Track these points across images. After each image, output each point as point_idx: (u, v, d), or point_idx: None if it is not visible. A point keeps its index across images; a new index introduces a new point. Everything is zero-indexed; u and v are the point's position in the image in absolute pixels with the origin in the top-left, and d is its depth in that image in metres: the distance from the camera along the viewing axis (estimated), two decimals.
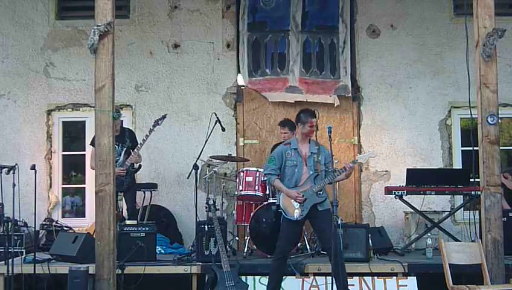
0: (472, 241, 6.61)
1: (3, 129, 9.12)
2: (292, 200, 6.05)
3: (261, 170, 7.55)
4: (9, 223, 6.81)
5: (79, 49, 9.01)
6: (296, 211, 6.03)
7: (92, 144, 7.02)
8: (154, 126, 7.65)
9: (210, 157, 8.10)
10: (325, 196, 6.12)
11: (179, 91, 9.08)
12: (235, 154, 8.73)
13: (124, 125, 8.23)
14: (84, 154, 8.80)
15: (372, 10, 9.07)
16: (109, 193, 6.14)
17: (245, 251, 7.37)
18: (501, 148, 6.56)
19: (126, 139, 7.71)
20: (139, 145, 7.61)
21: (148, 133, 7.59)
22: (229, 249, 7.37)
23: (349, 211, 8.82)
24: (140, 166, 7.84)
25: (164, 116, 7.74)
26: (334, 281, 5.73)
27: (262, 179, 7.50)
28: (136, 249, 6.81)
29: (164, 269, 6.73)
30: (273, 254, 6.27)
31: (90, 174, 8.29)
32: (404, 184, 7.68)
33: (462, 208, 8.19)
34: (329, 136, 6.03)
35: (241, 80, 9.01)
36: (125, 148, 7.65)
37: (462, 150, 8.89)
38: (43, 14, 9.24)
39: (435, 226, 7.79)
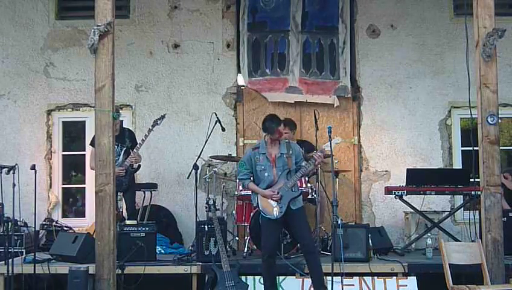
0: (472, 241, 6.61)
1: (3, 129, 9.12)
2: (269, 200, 6.12)
3: None
4: (9, 223, 6.81)
5: (79, 49, 9.01)
6: (274, 210, 6.11)
7: (92, 144, 7.02)
8: (153, 126, 7.66)
9: (210, 157, 8.10)
10: (300, 191, 6.21)
11: (179, 91, 9.08)
12: (235, 154, 8.73)
13: (123, 126, 8.24)
14: (84, 154, 8.80)
15: (372, 10, 9.07)
16: (109, 193, 6.14)
17: (245, 251, 7.37)
18: (501, 148, 6.56)
19: (126, 139, 7.72)
20: (138, 146, 7.61)
21: (147, 133, 7.60)
22: (229, 249, 7.37)
23: (349, 211, 8.82)
24: (139, 166, 7.84)
25: (163, 116, 7.74)
26: (312, 279, 5.91)
27: None
28: (136, 249, 6.80)
29: (164, 269, 6.73)
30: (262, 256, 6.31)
31: (90, 174, 8.29)
32: (404, 184, 7.68)
33: (462, 208, 8.19)
34: (329, 136, 6.05)
35: (241, 80, 9.01)
36: (124, 148, 7.66)
37: (462, 150, 8.89)
38: (43, 14, 9.23)
39: (435, 226, 7.79)
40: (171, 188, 8.93)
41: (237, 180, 7.19)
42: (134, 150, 7.60)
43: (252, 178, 6.29)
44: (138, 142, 7.66)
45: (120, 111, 7.85)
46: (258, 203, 6.24)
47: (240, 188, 7.58)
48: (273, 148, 6.26)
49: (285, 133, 7.75)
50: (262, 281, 6.44)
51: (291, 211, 6.14)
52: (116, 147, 7.29)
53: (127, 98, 9.04)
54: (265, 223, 6.24)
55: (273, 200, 6.12)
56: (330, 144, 6.13)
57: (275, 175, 6.20)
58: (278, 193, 6.10)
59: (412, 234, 8.15)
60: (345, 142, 8.85)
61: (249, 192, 7.57)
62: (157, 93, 9.08)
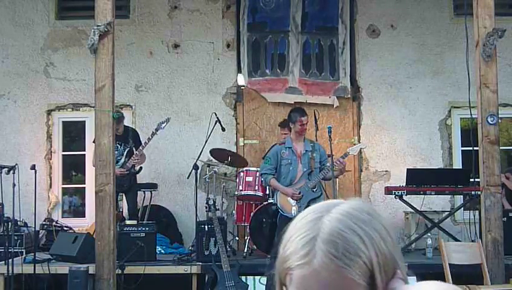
0: (472, 241, 6.61)
1: (3, 129, 9.12)
2: (288, 198, 6.12)
3: None
4: (9, 223, 6.81)
5: (79, 49, 9.01)
6: (293, 208, 6.11)
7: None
8: (156, 129, 7.59)
9: (212, 149, 8.07)
10: (320, 192, 6.19)
11: (179, 91, 9.08)
12: None
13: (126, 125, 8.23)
14: (84, 154, 8.80)
15: (372, 10, 9.07)
16: (109, 193, 6.14)
17: (245, 251, 7.37)
18: (501, 148, 6.56)
19: (129, 140, 7.71)
20: (140, 148, 7.61)
21: (150, 136, 7.56)
22: (229, 249, 7.37)
23: None
24: (141, 168, 7.84)
25: (167, 120, 7.66)
26: None
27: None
28: (136, 249, 6.80)
29: (164, 269, 6.73)
30: (271, 252, 6.30)
31: (90, 174, 8.29)
32: (404, 184, 7.68)
33: (462, 208, 8.19)
34: (329, 136, 6.06)
35: (241, 80, 9.01)
36: (127, 149, 7.65)
37: (462, 150, 8.89)
38: (43, 14, 9.23)
39: (435, 226, 7.79)
40: (171, 188, 8.93)
41: (260, 176, 7.09)
42: (137, 151, 7.59)
43: (275, 175, 6.30)
44: (142, 143, 7.66)
45: (121, 111, 7.85)
46: (276, 200, 6.25)
47: (240, 188, 7.59)
48: (298, 145, 6.29)
49: (285, 134, 7.75)
50: (262, 281, 6.44)
51: None
52: (119, 147, 7.30)
53: (127, 98, 9.03)
54: (282, 222, 6.25)
55: (294, 199, 6.12)
56: (355, 148, 6.19)
57: (300, 171, 6.21)
58: (299, 192, 6.11)
59: (412, 234, 8.14)
60: (344, 142, 8.85)
61: (249, 192, 7.59)
62: (157, 93, 9.08)
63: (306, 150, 6.26)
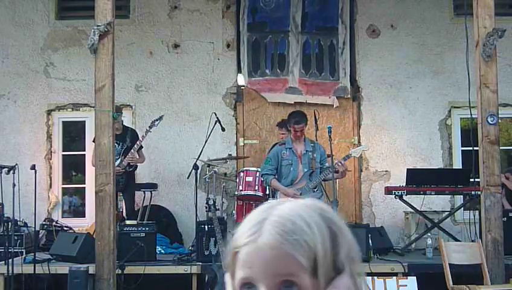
0: (472, 241, 6.61)
1: (3, 129, 9.12)
2: (289, 198, 6.13)
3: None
4: (9, 223, 6.81)
5: (79, 49, 9.00)
6: None
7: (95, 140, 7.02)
8: (150, 127, 7.65)
9: (210, 160, 8.10)
10: (320, 193, 6.18)
11: (179, 91, 9.08)
12: (235, 154, 8.73)
13: (126, 124, 8.23)
14: (84, 154, 8.80)
15: (372, 10, 9.07)
16: (109, 193, 6.14)
17: None
18: (501, 148, 6.56)
19: (127, 139, 7.72)
20: (135, 146, 7.62)
21: (144, 134, 7.60)
22: None
23: (349, 211, 8.82)
24: (136, 167, 7.85)
25: (161, 117, 7.69)
26: None
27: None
28: (136, 249, 6.80)
29: (164, 269, 6.73)
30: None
31: (90, 174, 8.29)
32: (404, 184, 7.68)
33: (462, 208, 8.18)
34: (329, 136, 6.06)
35: (241, 80, 9.01)
36: (124, 148, 7.66)
37: (462, 150, 8.89)
38: (43, 14, 9.23)
39: (435, 226, 7.79)
40: (171, 188, 8.93)
41: (261, 176, 7.11)
42: (131, 150, 7.60)
43: (275, 175, 6.30)
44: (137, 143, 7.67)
45: (121, 110, 7.85)
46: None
47: (240, 188, 7.59)
48: (298, 145, 6.29)
49: (283, 134, 7.77)
50: None
51: None
52: (116, 145, 7.30)
53: (127, 98, 9.03)
54: None
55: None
56: (357, 150, 6.20)
57: (300, 171, 6.21)
58: (300, 193, 6.11)
59: (412, 234, 8.14)
60: (344, 142, 8.86)
61: (249, 192, 7.60)
62: (157, 93, 9.08)
63: (306, 150, 6.26)
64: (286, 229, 1.11)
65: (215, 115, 7.96)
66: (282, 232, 1.10)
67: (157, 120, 7.67)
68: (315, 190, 6.14)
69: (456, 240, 7.70)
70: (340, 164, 6.11)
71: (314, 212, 1.15)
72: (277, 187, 6.28)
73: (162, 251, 7.71)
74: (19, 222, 7.44)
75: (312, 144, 6.32)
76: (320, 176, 6.14)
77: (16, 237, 7.60)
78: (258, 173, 7.60)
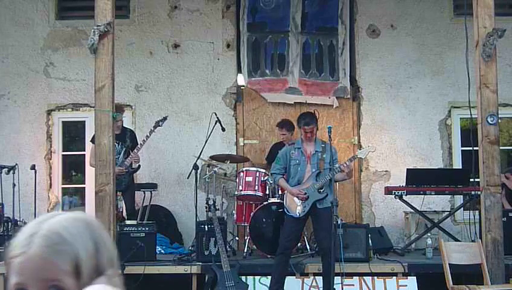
0: (472, 241, 6.60)
1: (3, 129, 9.12)
2: (294, 198, 6.16)
3: (261, 170, 7.63)
4: (9, 223, 6.81)
5: (79, 49, 9.01)
6: (298, 208, 6.15)
7: (93, 140, 7.02)
8: (154, 127, 7.65)
9: (210, 157, 8.10)
10: (326, 193, 6.17)
11: (179, 91, 9.08)
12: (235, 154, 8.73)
13: (124, 125, 8.24)
14: (84, 154, 8.80)
15: (372, 10, 9.07)
16: (109, 193, 6.14)
17: (245, 251, 7.37)
18: (501, 148, 6.57)
19: (127, 139, 7.72)
20: (138, 146, 7.61)
21: (148, 134, 7.60)
22: (229, 249, 7.37)
23: (349, 211, 8.82)
24: (139, 166, 7.84)
25: (165, 118, 7.73)
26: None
27: (262, 179, 7.53)
28: (136, 249, 6.80)
29: (164, 269, 6.73)
30: (276, 252, 6.32)
31: (90, 174, 8.29)
32: (404, 184, 7.68)
33: (462, 208, 8.19)
34: (329, 136, 6.06)
35: (241, 80, 9.01)
36: (124, 148, 7.66)
37: (462, 150, 8.89)
38: (43, 14, 9.23)
39: (435, 226, 7.79)
40: (171, 188, 8.93)
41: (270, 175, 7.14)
42: (135, 150, 7.60)
43: (284, 175, 6.36)
44: (139, 142, 7.66)
45: (123, 108, 7.85)
46: (285, 200, 6.31)
47: (240, 188, 7.60)
48: (308, 146, 6.32)
49: (283, 134, 7.76)
50: (262, 281, 6.45)
51: (317, 209, 6.17)
52: (116, 145, 7.30)
53: (127, 98, 9.03)
54: (287, 221, 6.32)
55: (299, 199, 6.16)
56: (363, 151, 6.23)
57: (308, 171, 6.24)
58: (304, 193, 6.14)
59: (412, 234, 8.14)
60: (344, 142, 8.86)
61: (249, 192, 7.61)
62: (157, 93, 9.08)
63: (316, 151, 6.28)
64: (52, 241, 1.32)
65: (215, 115, 7.96)
66: (49, 244, 1.31)
67: (161, 121, 7.68)
68: (321, 190, 6.15)
69: (456, 240, 7.71)
70: (345, 165, 6.10)
71: (81, 224, 1.37)
72: (284, 187, 6.39)
73: (162, 251, 7.72)
74: (19, 222, 7.43)
75: (323, 145, 6.33)
76: (326, 177, 6.14)
77: None
78: (258, 173, 7.62)
